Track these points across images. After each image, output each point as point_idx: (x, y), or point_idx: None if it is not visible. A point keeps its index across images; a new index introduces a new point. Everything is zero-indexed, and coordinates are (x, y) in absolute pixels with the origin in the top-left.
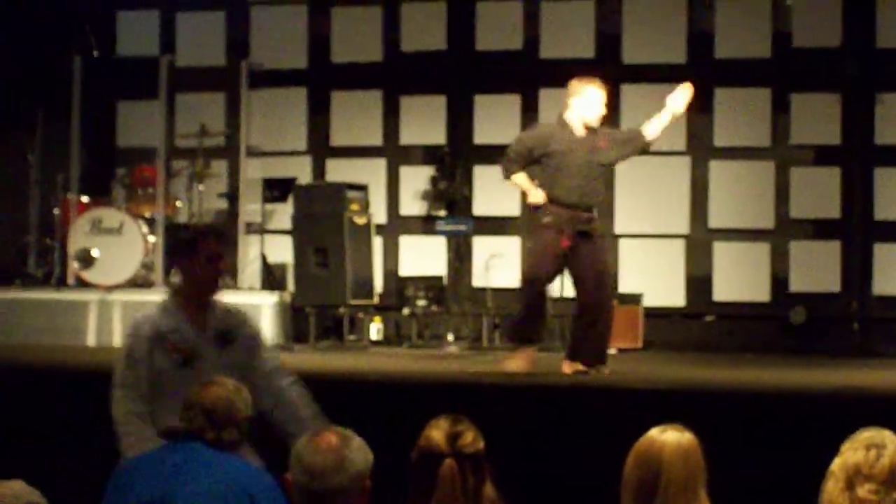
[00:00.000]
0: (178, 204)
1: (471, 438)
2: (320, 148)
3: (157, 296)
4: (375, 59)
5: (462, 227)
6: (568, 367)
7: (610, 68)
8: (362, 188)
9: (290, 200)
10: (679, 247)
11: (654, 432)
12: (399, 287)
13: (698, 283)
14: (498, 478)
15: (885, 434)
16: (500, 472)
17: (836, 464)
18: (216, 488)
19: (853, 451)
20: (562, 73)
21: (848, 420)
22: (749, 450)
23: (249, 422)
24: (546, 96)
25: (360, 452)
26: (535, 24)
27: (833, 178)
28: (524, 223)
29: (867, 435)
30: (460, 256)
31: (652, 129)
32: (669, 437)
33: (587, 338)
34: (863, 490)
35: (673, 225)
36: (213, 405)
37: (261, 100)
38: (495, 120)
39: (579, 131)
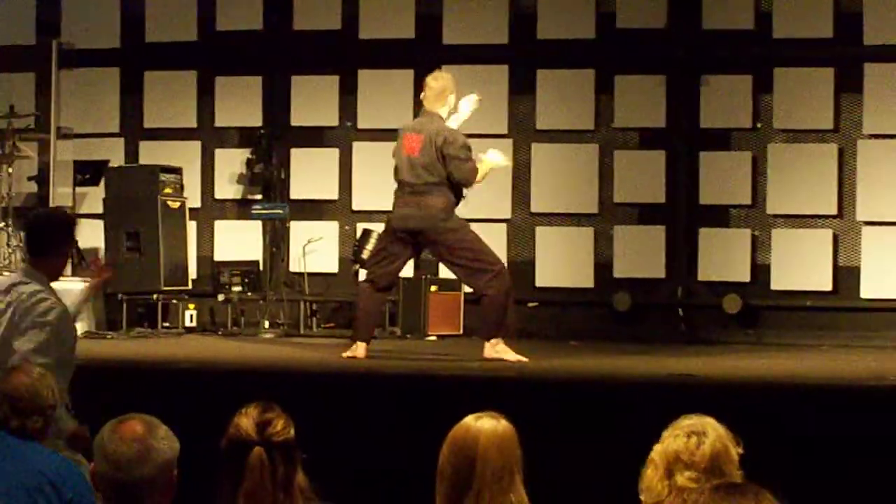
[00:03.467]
0: None
1: (281, 426)
2: (133, 130)
3: None
4: (190, 38)
5: (278, 212)
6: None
7: (430, 49)
8: (176, 171)
9: (102, 183)
10: (501, 232)
11: (470, 420)
12: (214, 273)
13: (521, 268)
14: (311, 466)
15: (707, 421)
16: (314, 460)
17: (657, 450)
18: (19, 478)
19: (673, 438)
20: (381, 54)
21: (670, 407)
22: (568, 437)
23: (55, 409)
24: (365, 77)
25: (166, 441)
26: (353, 3)
27: (658, 162)
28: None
29: (689, 422)
30: (277, 241)
31: None
32: (485, 425)
33: None
34: (682, 477)
35: (495, 209)
36: (16, 393)
37: (72, 80)
38: (313, 101)
39: None
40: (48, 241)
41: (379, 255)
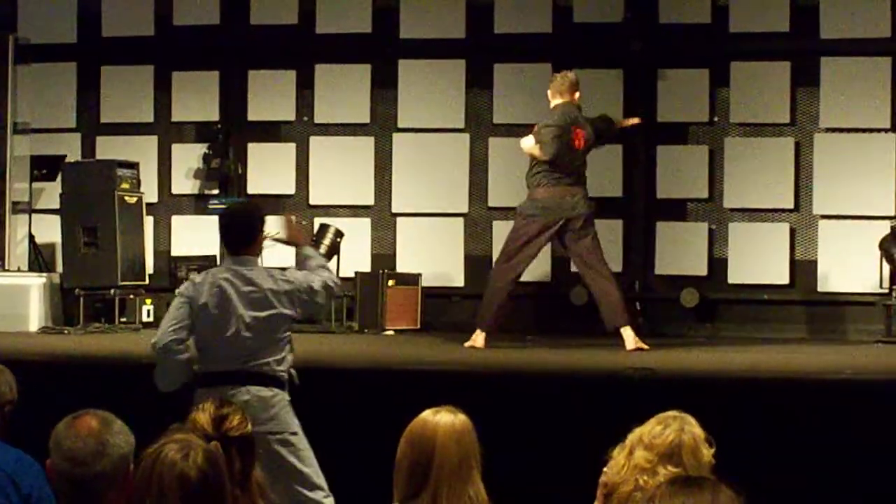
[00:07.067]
0: None
1: (237, 421)
2: (90, 125)
3: None
4: (147, 33)
5: None
6: None
7: (387, 44)
8: (133, 166)
9: (59, 179)
10: (458, 226)
11: (428, 414)
12: (171, 267)
13: (477, 262)
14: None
15: (685, 417)
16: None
17: (632, 433)
18: None
19: (647, 424)
20: (338, 49)
21: (628, 401)
22: (525, 431)
23: (13, 405)
24: (322, 72)
25: (122, 436)
26: None
27: (615, 156)
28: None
29: (668, 414)
30: None
31: None
32: (443, 419)
33: None
34: (638, 456)
35: (452, 203)
36: None
37: (28, 75)
38: (270, 96)
39: None
40: (247, 234)
41: None
